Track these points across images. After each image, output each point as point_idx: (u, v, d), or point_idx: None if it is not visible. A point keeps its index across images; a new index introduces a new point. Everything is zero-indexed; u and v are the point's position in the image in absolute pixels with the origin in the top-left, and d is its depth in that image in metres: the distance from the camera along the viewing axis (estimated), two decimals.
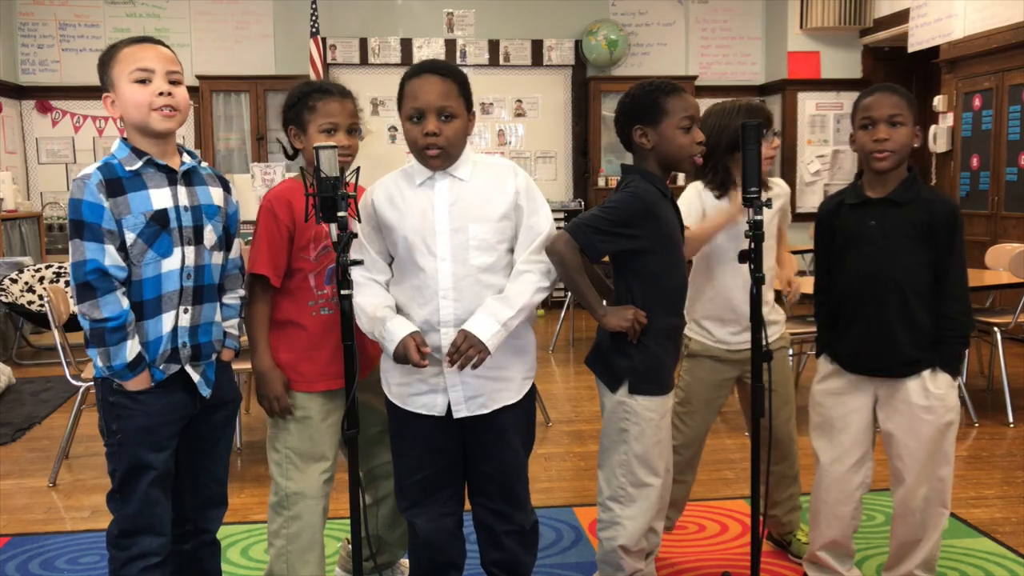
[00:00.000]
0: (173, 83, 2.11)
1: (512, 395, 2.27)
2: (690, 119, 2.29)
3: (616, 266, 2.38)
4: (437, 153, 2.15)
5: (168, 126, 2.11)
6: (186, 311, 2.15)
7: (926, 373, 2.41)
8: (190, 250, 2.15)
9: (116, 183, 2.07)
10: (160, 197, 2.11)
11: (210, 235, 2.19)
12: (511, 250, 2.25)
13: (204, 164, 2.27)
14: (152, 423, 2.12)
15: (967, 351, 2.46)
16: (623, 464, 2.33)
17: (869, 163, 2.42)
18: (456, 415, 2.24)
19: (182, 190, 2.15)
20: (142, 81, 2.08)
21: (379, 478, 2.61)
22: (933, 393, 2.41)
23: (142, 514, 2.14)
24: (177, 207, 2.13)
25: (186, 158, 2.19)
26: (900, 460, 2.48)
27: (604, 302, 2.36)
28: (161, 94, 2.08)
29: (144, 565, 2.14)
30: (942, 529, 2.51)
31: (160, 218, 2.10)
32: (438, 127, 2.13)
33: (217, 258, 2.23)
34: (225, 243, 2.26)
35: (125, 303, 2.05)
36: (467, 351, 2.13)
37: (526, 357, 2.30)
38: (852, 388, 2.52)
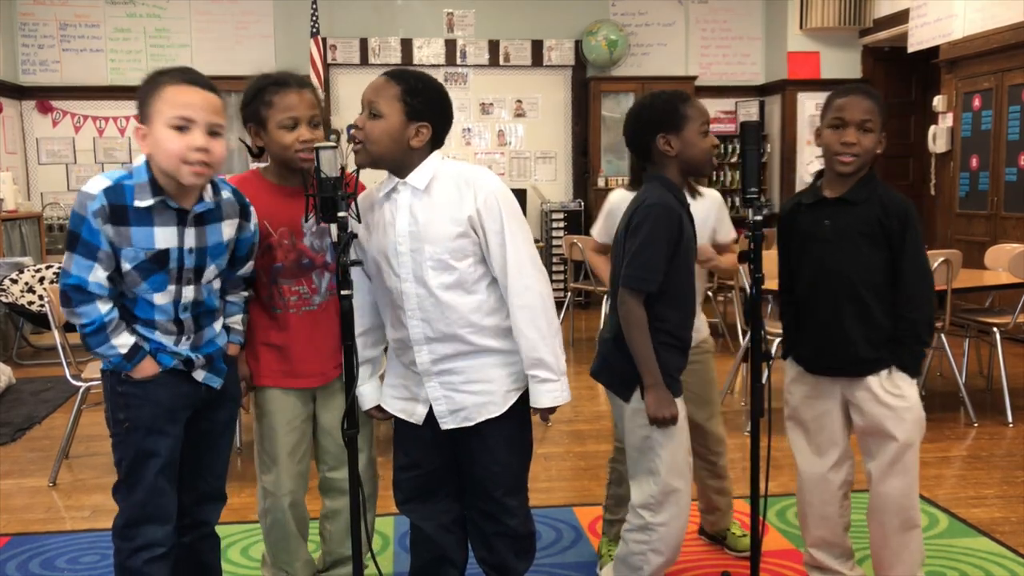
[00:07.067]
0: (213, 134, 2.00)
1: (496, 408, 2.24)
2: (706, 123, 2.33)
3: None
4: (358, 148, 2.17)
5: (196, 183, 2.02)
6: (188, 339, 2.16)
7: (884, 372, 2.42)
8: (189, 289, 2.12)
9: (121, 211, 1.99)
10: (164, 236, 2.03)
11: (211, 272, 2.16)
12: (483, 261, 2.19)
13: (226, 194, 2.17)
14: (160, 412, 2.13)
15: (929, 351, 2.44)
16: (652, 472, 2.33)
17: (832, 164, 2.43)
18: (443, 427, 2.26)
19: (190, 232, 2.07)
20: (180, 128, 1.97)
21: (330, 491, 2.58)
22: (890, 391, 2.41)
23: (148, 503, 2.14)
24: (181, 248, 2.07)
25: (208, 195, 2.10)
26: (870, 458, 2.48)
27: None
28: (198, 149, 1.97)
29: (149, 556, 2.14)
30: (919, 532, 2.49)
31: (160, 258, 2.04)
32: (362, 121, 2.15)
33: (216, 284, 2.21)
34: (230, 263, 2.23)
35: (104, 308, 2.04)
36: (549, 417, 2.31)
37: (510, 370, 2.24)
38: (819, 390, 2.53)
